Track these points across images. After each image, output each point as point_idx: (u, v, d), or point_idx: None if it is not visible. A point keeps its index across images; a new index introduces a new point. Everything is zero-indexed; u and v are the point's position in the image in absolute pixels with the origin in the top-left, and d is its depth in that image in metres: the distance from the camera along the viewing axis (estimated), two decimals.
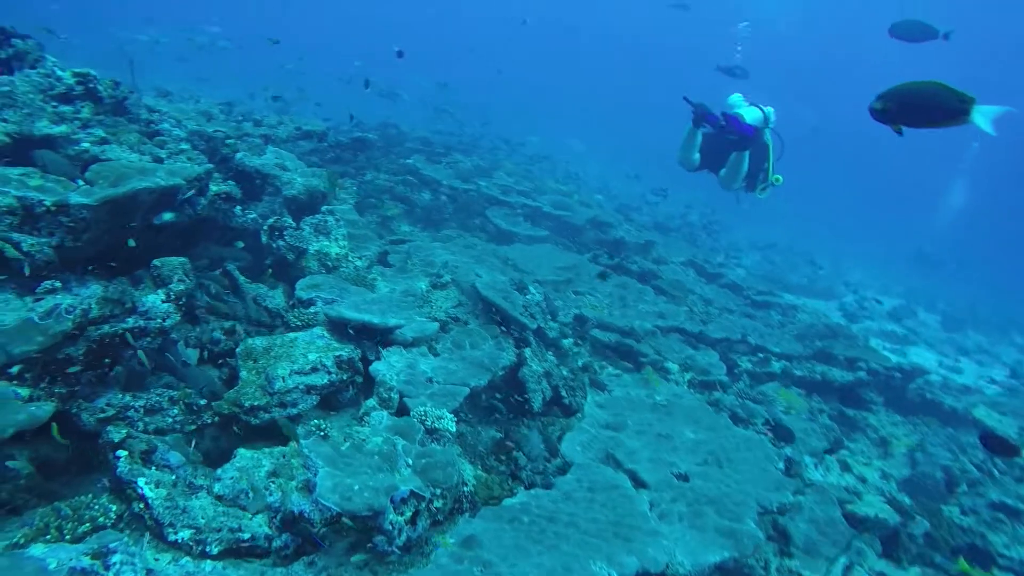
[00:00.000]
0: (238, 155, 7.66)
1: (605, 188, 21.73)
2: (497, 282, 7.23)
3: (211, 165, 5.46)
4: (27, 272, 4.12)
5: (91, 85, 5.93)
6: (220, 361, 5.26)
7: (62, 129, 5.59)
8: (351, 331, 5.23)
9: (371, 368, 4.92)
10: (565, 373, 6.73)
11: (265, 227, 7.00)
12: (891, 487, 6.21)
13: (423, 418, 4.41)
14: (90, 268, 4.51)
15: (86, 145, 5.63)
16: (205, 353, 5.13)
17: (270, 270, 6.52)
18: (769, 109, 8.28)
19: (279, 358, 4.58)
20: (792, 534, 4.89)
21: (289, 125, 11.10)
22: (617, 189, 22.71)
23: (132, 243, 4.37)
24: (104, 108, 6.11)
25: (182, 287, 4.38)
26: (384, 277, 7.28)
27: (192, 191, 5.15)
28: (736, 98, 7.84)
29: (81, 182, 4.73)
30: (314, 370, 4.50)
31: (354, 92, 13.39)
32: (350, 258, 7.22)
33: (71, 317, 3.78)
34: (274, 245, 6.84)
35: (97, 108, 6.00)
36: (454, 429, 4.43)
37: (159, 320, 4.15)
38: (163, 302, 4.24)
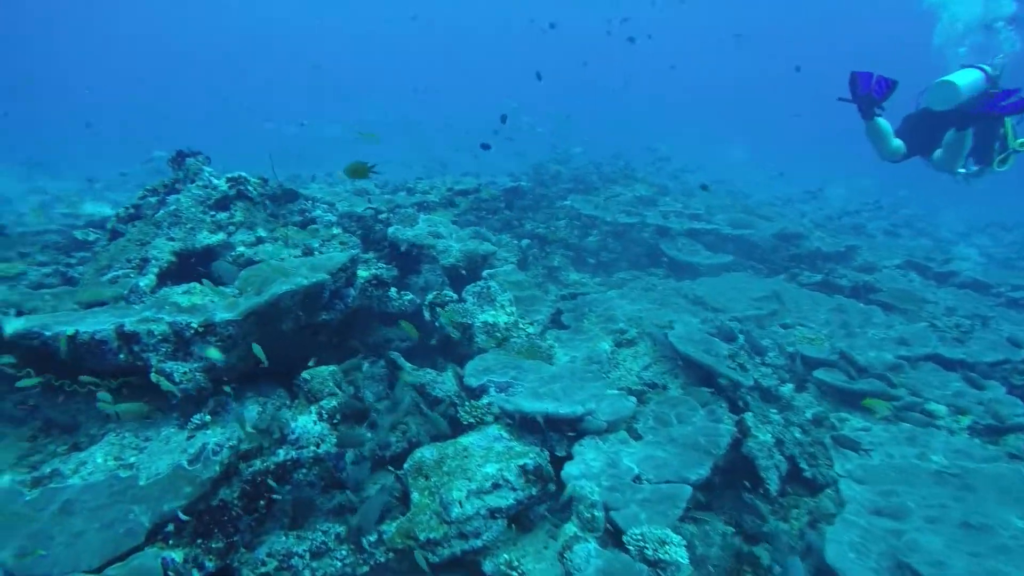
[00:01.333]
0: (390, 229, 7.32)
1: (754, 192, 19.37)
2: (692, 330, 6.02)
3: (356, 250, 5.01)
4: (176, 399, 3.78)
5: (242, 187, 5.83)
6: (392, 468, 4.66)
7: (219, 237, 5.48)
8: (534, 424, 4.34)
9: (564, 473, 3.96)
10: (798, 435, 5.31)
11: (426, 304, 6.48)
12: None
13: (642, 545, 3.33)
14: (231, 386, 4.12)
15: (241, 249, 5.46)
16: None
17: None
18: (997, 61, 6.40)
19: (453, 474, 3.79)
20: None
21: (441, 187, 10.90)
22: (780, 191, 20.21)
23: (265, 362, 3.85)
24: (256, 206, 6.00)
25: (334, 402, 3.78)
26: (561, 342, 6.40)
27: (339, 283, 4.67)
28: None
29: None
30: (495, 487, 3.64)
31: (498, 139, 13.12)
32: (520, 325, 6.45)
33: (218, 460, 3.30)
34: (437, 324, 6.28)
35: (249, 208, 5.90)
36: (686, 559, 3.29)
37: (312, 447, 3.57)
38: (315, 423, 3.66)
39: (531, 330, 6.49)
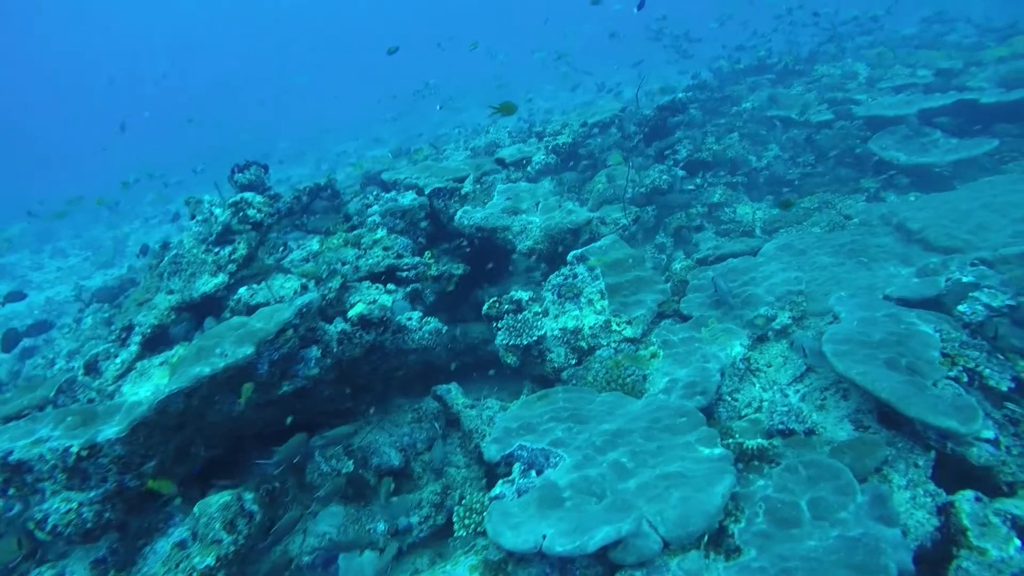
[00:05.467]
0: (458, 215, 5.87)
1: None
2: (870, 321, 3.59)
3: (311, 296, 3.71)
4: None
5: (242, 213, 4.92)
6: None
7: (219, 280, 4.67)
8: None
9: None
10: None
11: (483, 315, 5.03)
12: None
13: None
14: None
15: (240, 292, 4.59)
16: None
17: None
18: None
19: None
20: None
21: (574, 124, 9.05)
22: None
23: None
24: (264, 231, 5.07)
25: (210, 558, 2.63)
26: (668, 348, 4.41)
27: (286, 347, 3.46)
28: None
29: None
30: None
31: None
32: (614, 327, 4.65)
33: None
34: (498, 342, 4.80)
35: (257, 235, 4.98)
36: None
37: None
38: None
39: (628, 332, 4.64)
